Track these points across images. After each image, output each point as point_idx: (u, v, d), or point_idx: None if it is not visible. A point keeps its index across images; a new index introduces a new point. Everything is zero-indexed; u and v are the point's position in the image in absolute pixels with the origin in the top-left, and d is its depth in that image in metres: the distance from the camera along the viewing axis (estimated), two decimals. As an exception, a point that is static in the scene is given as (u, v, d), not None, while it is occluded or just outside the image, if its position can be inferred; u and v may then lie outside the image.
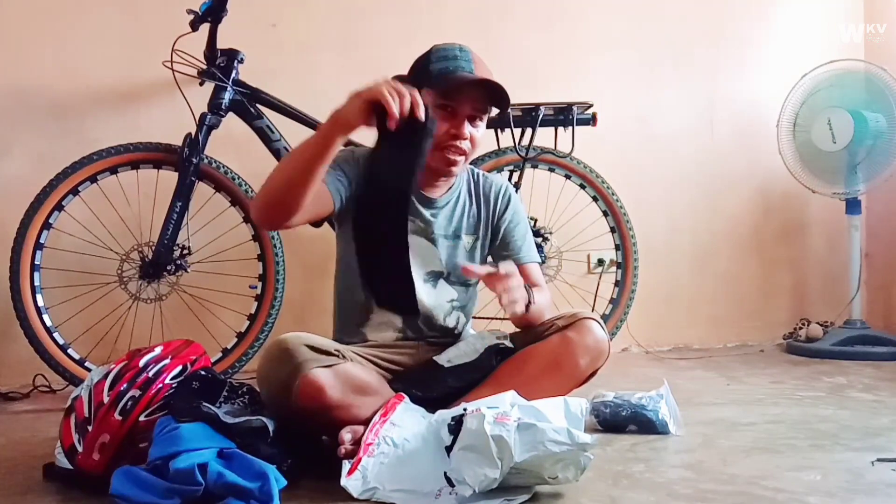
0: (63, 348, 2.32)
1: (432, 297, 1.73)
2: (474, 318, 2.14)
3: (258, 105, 2.42)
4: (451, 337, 1.76)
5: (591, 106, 2.59)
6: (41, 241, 2.31)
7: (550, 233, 2.68)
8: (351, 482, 1.32)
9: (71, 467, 1.44)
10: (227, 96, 2.36)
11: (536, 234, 2.61)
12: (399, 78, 1.67)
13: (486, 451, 1.25)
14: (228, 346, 2.44)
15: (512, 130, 2.53)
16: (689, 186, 3.12)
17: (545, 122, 2.56)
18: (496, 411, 1.32)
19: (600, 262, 2.90)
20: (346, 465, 1.35)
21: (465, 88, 1.62)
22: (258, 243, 2.46)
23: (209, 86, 2.37)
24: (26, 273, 2.28)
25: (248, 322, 2.46)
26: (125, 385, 1.45)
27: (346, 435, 1.42)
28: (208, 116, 2.35)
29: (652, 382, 1.91)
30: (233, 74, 2.37)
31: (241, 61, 2.40)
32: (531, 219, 2.64)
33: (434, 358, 1.66)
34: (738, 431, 1.74)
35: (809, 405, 2.01)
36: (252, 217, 1.57)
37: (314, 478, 1.41)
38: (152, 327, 2.48)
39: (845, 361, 2.68)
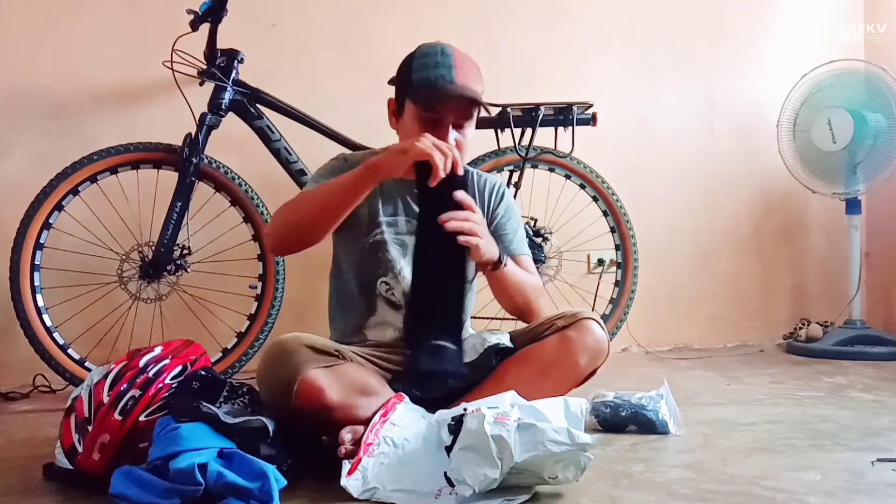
0: (63, 348, 2.32)
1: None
2: (474, 318, 2.14)
3: (258, 105, 2.42)
4: None
5: (591, 106, 2.59)
6: (41, 241, 2.31)
7: (550, 233, 2.68)
8: (351, 482, 1.32)
9: (71, 467, 1.44)
10: (227, 96, 2.36)
11: (537, 233, 2.62)
12: (392, 81, 1.68)
13: (486, 451, 1.25)
14: (228, 346, 2.44)
15: (512, 130, 2.53)
16: (689, 186, 3.12)
17: (545, 122, 2.56)
18: (496, 411, 1.32)
19: (600, 262, 2.90)
20: (346, 465, 1.35)
21: (444, 99, 1.59)
22: (258, 243, 2.46)
23: (209, 86, 2.37)
24: (26, 273, 2.28)
25: (248, 322, 2.46)
26: (125, 385, 1.45)
27: (346, 435, 1.42)
28: (208, 116, 2.35)
29: (652, 382, 1.91)
30: (233, 74, 2.37)
31: (241, 61, 2.40)
32: (531, 219, 2.65)
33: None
34: (738, 431, 1.74)
35: (809, 405, 2.01)
36: (267, 246, 1.60)
37: (314, 478, 1.41)
38: (152, 327, 2.48)
39: (845, 361, 2.68)
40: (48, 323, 2.32)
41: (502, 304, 1.71)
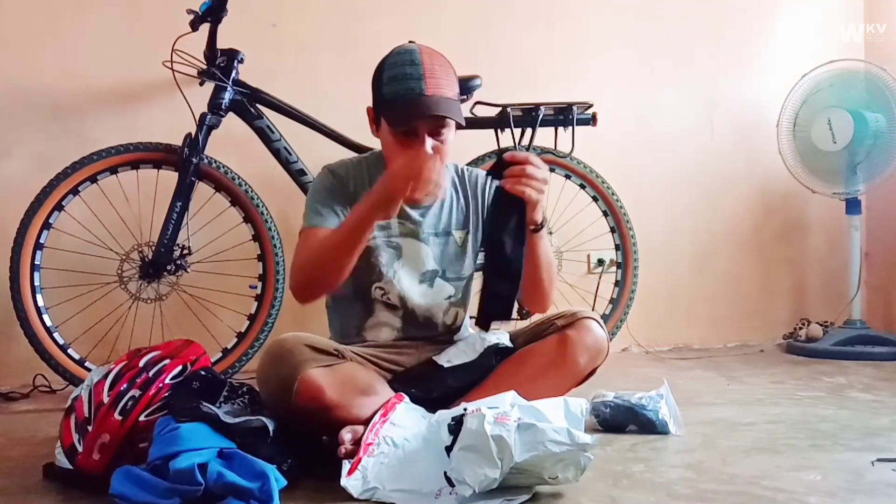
0: (63, 348, 2.32)
1: (429, 296, 1.73)
2: (474, 317, 2.14)
3: (258, 105, 2.42)
4: (450, 333, 1.76)
5: (591, 106, 2.59)
6: (41, 241, 2.31)
7: (550, 233, 2.68)
8: (351, 482, 1.32)
9: (71, 467, 1.44)
10: (227, 96, 2.36)
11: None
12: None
13: (486, 451, 1.25)
14: (228, 346, 2.44)
15: (512, 130, 2.53)
16: (689, 186, 3.12)
17: (545, 122, 2.56)
18: (496, 411, 1.32)
19: (600, 262, 2.90)
20: (346, 465, 1.35)
21: (415, 113, 1.57)
22: (258, 243, 2.46)
23: (209, 86, 2.37)
24: (26, 273, 2.28)
25: (248, 322, 2.46)
26: (125, 385, 1.45)
27: (346, 435, 1.42)
28: (208, 116, 2.35)
29: (652, 382, 1.91)
30: (233, 74, 2.37)
31: (241, 61, 2.40)
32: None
33: (434, 358, 1.66)
34: (738, 431, 1.74)
35: (809, 405, 2.01)
36: (293, 293, 1.60)
37: (314, 478, 1.41)
38: (152, 327, 2.48)
39: (845, 361, 2.68)
40: (48, 323, 2.32)
41: (527, 284, 1.61)
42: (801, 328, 3.08)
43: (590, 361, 1.63)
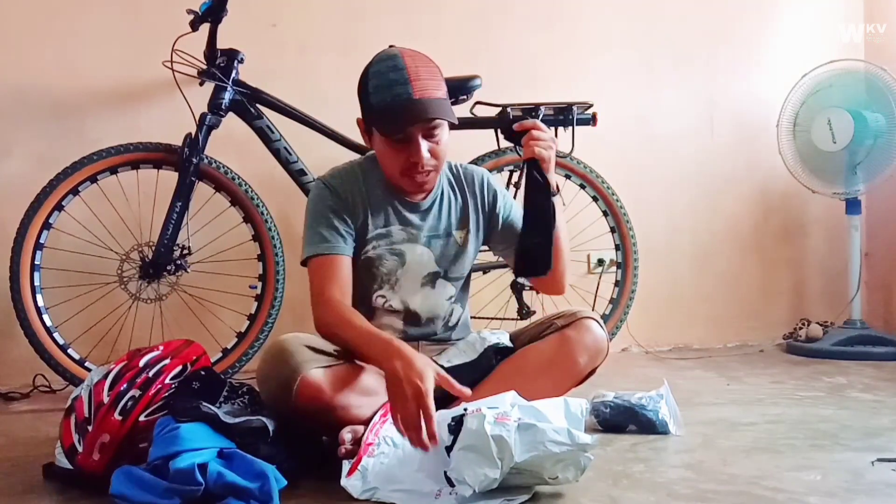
0: (63, 348, 2.32)
1: (432, 298, 1.73)
2: (474, 318, 2.14)
3: (258, 105, 2.42)
4: (449, 331, 1.77)
5: (591, 106, 2.59)
6: (41, 241, 2.31)
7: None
8: (351, 482, 1.32)
9: (71, 467, 1.44)
10: (227, 96, 2.36)
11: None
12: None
13: (486, 451, 1.25)
14: (228, 346, 2.44)
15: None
16: (689, 186, 3.12)
17: (545, 122, 2.53)
18: (496, 411, 1.32)
19: (600, 262, 2.90)
20: (347, 465, 1.35)
21: (406, 119, 1.55)
22: (258, 243, 2.46)
23: (209, 86, 2.37)
24: (26, 273, 2.28)
25: (248, 322, 2.46)
26: (125, 385, 1.45)
27: (347, 435, 1.42)
28: (208, 116, 2.35)
29: (652, 382, 1.91)
30: (233, 74, 2.37)
31: (241, 61, 2.40)
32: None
33: (434, 358, 1.66)
34: (738, 431, 1.74)
35: (809, 405, 2.01)
36: (315, 327, 1.60)
37: (314, 478, 1.41)
38: (152, 327, 2.48)
39: (845, 361, 2.68)
40: (48, 323, 2.32)
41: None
42: (801, 328, 3.08)
43: (590, 361, 1.63)
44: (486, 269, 2.57)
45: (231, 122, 2.40)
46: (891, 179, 2.83)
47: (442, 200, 1.74)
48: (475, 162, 2.57)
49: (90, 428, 1.42)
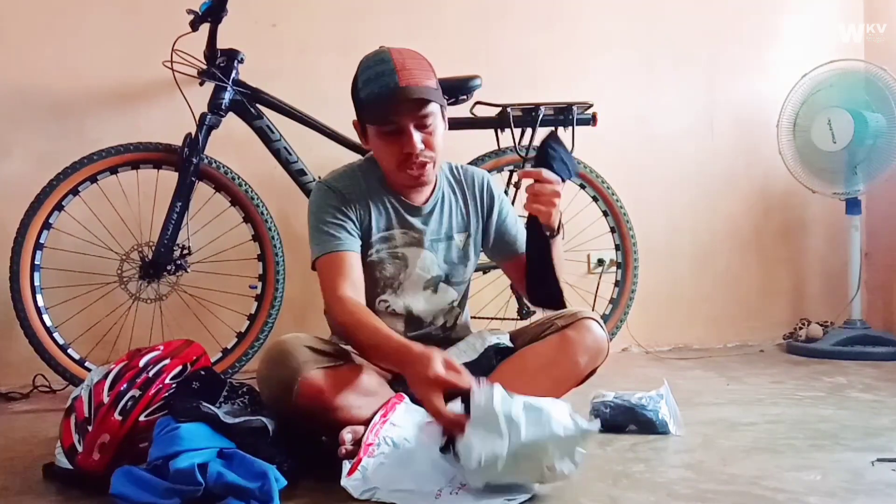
0: (63, 348, 2.32)
1: (433, 301, 1.73)
2: (474, 318, 2.14)
3: (258, 105, 2.42)
4: (449, 332, 1.77)
5: (591, 106, 2.59)
6: (41, 241, 2.31)
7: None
8: (351, 482, 1.32)
9: (71, 467, 1.44)
10: (227, 96, 2.36)
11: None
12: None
13: (493, 426, 1.25)
14: (228, 346, 2.44)
15: (512, 130, 2.53)
16: (689, 186, 3.12)
17: (545, 122, 2.56)
18: (504, 391, 1.31)
19: (600, 262, 2.90)
20: (347, 466, 1.35)
21: (395, 107, 1.56)
22: (258, 243, 2.46)
23: (209, 86, 2.37)
24: (26, 273, 2.28)
25: (248, 322, 2.46)
26: (125, 385, 1.45)
27: (347, 435, 1.42)
28: (208, 116, 2.35)
29: (652, 382, 1.91)
30: (233, 74, 2.37)
31: (241, 61, 2.40)
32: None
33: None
34: (738, 431, 1.74)
35: (809, 405, 2.01)
36: (329, 325, 1.60)
37: (314, 478, 1.41)
38: (152, 327, 2.48)
39: (845, 361, 2.68)
40: (48, 323, 2.31)
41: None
42: (801, 328, 3.08)
43: (590, 362, 1.63)
44: (485, 269, 2.57)
45: (231, 122, 2.40)
46: (891, 179, 2.83)
47: (443, 203, 1.74)
48: (475, 162, 2.57)
49: (90, 428, 1.42)
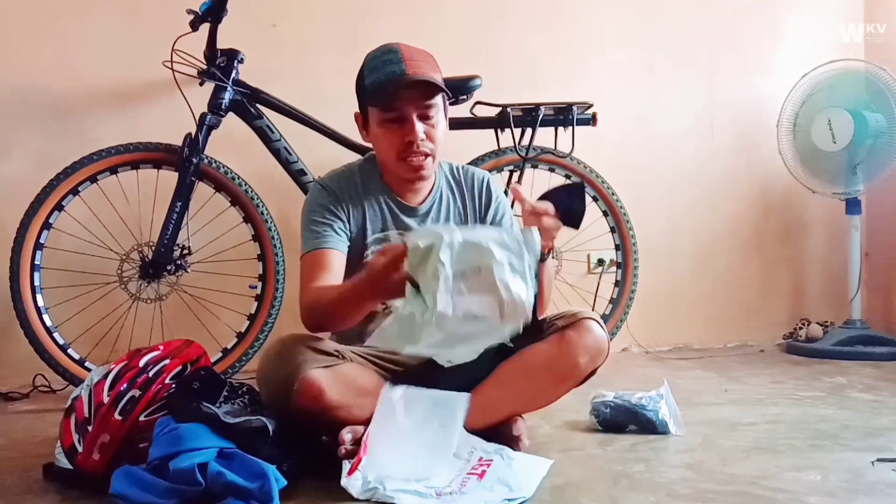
0: (63, 348, 2.32)
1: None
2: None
3: (258, 105, 2.42)
4: None
5: (591, 106, 2.59)
6: (41, 241, 2.31)
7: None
8: (351, 482, 1.32)
9: (71, 467, 1.44)
10: (227, 96, 2.36)
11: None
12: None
13: (431, 234, 1.24)
14: (228, 346, 2.44)
15: (512, 130, 2.53)
16: (689, 186, 3.12)
17: (545, 122, 2.56)
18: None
19: (600, 262, 2.90)
20: (347, 465, 1.35)
21: (400, 93, 1.58)
22: (258, 243, 2.46)
23: (209, 86, 2.37)
24: (26, 273, 2.28)
25: (248, 322, 2.46)
26: (125, 385, 1.45)
27: (347, 435, 1.42)
28: (208, 116, 2.35)
29: (652, 382, 1.91)
30: (233, 74, 2.37)
31: (241, 61, 2.40)
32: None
33: (434, 358, 1.65)
34: (738, 431, 1.75)
35: (809, 405, 2.01)
36: (304, 326, 1.59)
37: (314, 478, 1.41)
38: (152, 327, 2.48)
39: (845, 361, 2.68)
40: (48, 323, 2.32)
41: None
42: (801, 328, 3.08)
43: (590, 362, 1.62)
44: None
45: (231, 122, 2.40)
46: (891, 179, 2.83)
47: (440, 204, 1.74)
48: (475, 162, 2.57)
49: (90, 428, 1.42)
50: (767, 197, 3.19)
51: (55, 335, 2.32)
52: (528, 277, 1.25)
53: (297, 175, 2.44)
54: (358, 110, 1.68)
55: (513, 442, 1.54)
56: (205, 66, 2.37)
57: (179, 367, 1.52)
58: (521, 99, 2.57)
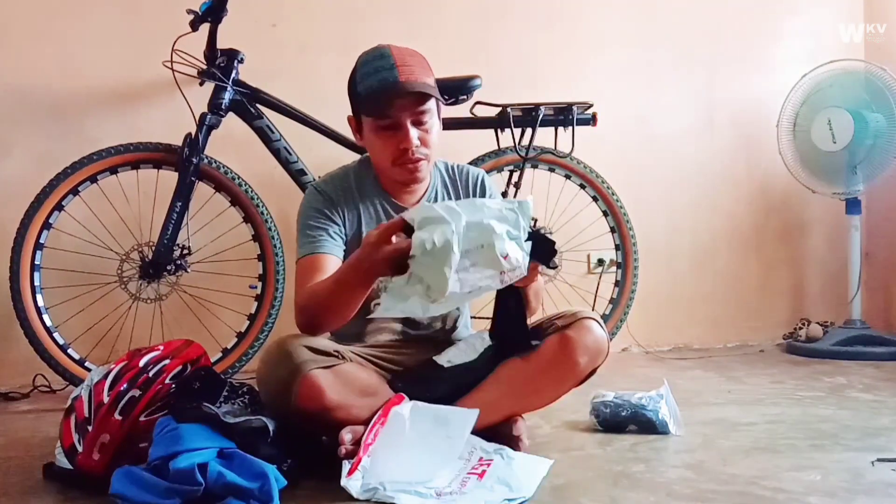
0: (63, 348, 2.32)
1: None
2: (474, 317, 2.14)
3: (258, 105, 2.42)
4: (448, 333, 1.77)
5: (591, 106, 2.59)
6: (41, 241, 2.31)
7: (550, 233, 2.67)
8: (351, 482, 1.32)
9: (71, 467, 1.44)
10: (227, 96, 2.37)
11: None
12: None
13: (436, 219, 1.29)
14: (228, 346, 2.44)
15: (512, 130, 2.53)
16: (689, 186, 3.12)
17: (545, 122, 2.56)
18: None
19: (600, 262, 2.90)
20: (346, 466, 1.35)
21: (394, 101, 1.57)
22: (258, 243, 2.46)
23: (209, 86, 2.37)
24: (26, 273, 2.28)
25: (248, 322, 2.46)
26: (125, 385, 1.45)
27: (347, 435, 1.42)
28: (208, 116, 2.35)
29: (652, 382, 1.91)
30: (233, 74, 2.37)
31: (241, 61, 2.40)
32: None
33: (434, 358, 1.66)
34: (738, 431, 1.74)
35: (809, 405, 2.01)
36: (298, 328, 1.58)
37: (314, 478, 1.41)
38: (152, 327, 2.48)
39: (845, 361, 2.68)
40: (48, 323, 2.32)
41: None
42: (801, 328, 3.08)
43: (590, 362, 1.63)
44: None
45: (231, 122, 2.40)
46: (891, 179, 2.83)
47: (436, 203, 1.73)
48: (475, 162, 2.57)
49: (90, 428, 1.42)
50: (767, 197, 3.19)
51: (55, 335, 2.32)
52: (523, 240, 1.32)
53: (297, 175, 2.44)
54: (350, 114, 1.68)
55: (513, 442, 1.54)
56: (205, 66, 2.37)
57: (179, 367, 1.52)
58: (521, 99, 2.57)
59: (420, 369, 1.66)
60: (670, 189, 3.10)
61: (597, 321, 1.65)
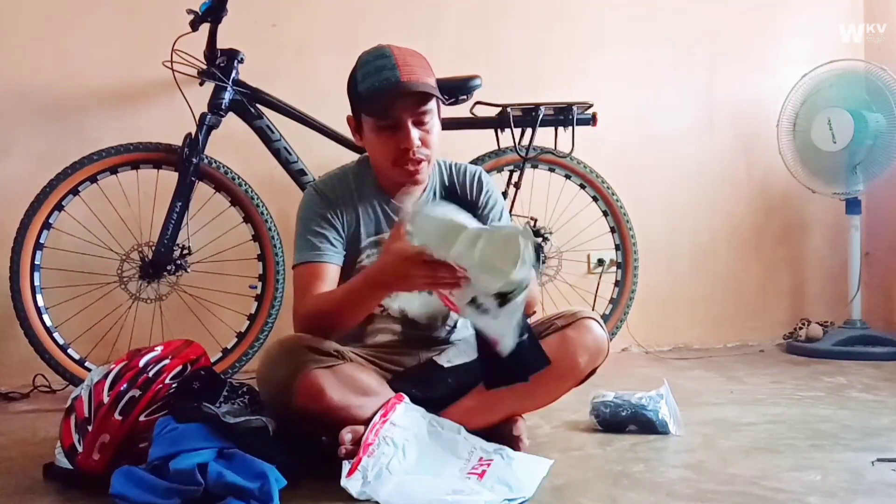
0: (63, 348, 2.32)
1: (429, 303, 1.71)
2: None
3: (258, 105, 2.42)
4: (448, 333, 1.76)
5: (591, 106, 2.59)
6: (41, 241, 2.31)
7: (550, 233, 2.68)
8: (351, 482, 1.32)
9: (71, 467, 1.44)
10: (227, 96, 2.37)
11: (536, 234, 2.61)
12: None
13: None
14: (228, 346, 2.44)
15: (512, 130, 2.53)
16: (689, 186, 3.12)
17: (545, 122, 2.56)
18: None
19: (600, 262, 2.90)
20: (346, 466, 1.35)
21: (395, 101, 1.56)
22: (258, 243, 2.46)
23: (209, 86, 2.37)
24: (26, 273, 2.28)
25: (248, 322, 2.46)
26: (125, 385, 1.45)
27: (347, 435, 1.42)
28: (208, 116, 2.35)
29: (652, 382, 1.91)
30: (233, 74, 2.37)
31: (241, 61, 2.40)
32: (531, 218, 2.65)
33: (434, 358, 1.66)
34: (738, 431, 1.75)
35: (809, 405, 2.01)
36: (295, 329, 1.58)
37: (314, 478, 1.41)
38: (152, 327, 2.48)
39: (845, 361, 2.68)
40: (48, 323, 2.31)
41: None
42: (801, 328, 3.08)
43: (590, 361, 1.63)
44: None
45: (231, 122, 2.40)
46: (891, 179, 2.83)
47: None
48: (475, 162, 2.57)
49: (90, 428, 1.42)
50: (767, 197, 3.19)
51: (55, 335, 2.32)
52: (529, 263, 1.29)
53: (297, 175, 2.44)
54: (350, 114, 1.68)
55: (513, 442, 1.54)
56: (205, 66, 2.37)
57: (179, 367, 1.52)
58: (521, 99, 2.57)
59: (420, 370, 1.66)
60: (670, 189, 3.10)
61: (597, 321, 1.65)
